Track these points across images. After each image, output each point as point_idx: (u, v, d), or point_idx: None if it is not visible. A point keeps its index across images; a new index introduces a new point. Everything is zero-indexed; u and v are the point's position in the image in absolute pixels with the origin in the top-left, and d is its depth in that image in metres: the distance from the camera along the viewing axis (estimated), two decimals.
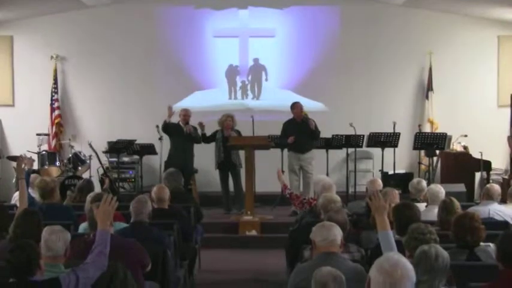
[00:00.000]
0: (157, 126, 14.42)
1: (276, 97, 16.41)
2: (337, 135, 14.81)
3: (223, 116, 14.11)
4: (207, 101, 16.60)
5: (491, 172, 13.80)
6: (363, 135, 14.80)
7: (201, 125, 13.93)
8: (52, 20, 16.50)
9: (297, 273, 5.94)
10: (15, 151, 15.61)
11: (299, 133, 13.76)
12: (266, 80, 16.80)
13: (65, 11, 16.21)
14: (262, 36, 16.75)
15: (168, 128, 13.86)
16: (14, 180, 12.90)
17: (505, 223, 8.01)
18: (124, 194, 13.64)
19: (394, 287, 3.92)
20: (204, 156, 14.39)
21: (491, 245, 6.10)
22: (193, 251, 9.73)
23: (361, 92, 16.42)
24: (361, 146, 14.95)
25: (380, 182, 10.61)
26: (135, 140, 15.01)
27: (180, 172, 11.31)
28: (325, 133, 14.59)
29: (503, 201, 9.13)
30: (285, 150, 14.28)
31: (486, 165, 13.69)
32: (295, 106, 14.04)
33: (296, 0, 16.53)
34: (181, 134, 13.90)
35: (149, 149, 14.96)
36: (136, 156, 15.38)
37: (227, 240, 12.73)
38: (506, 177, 14.43)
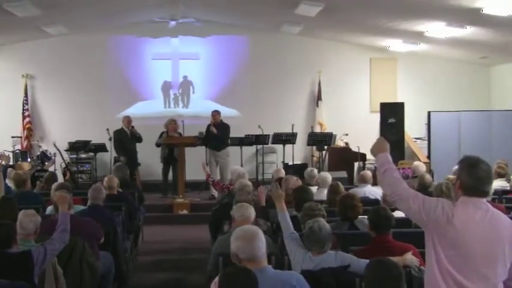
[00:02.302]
0: (107, 129, 14.29)
1: (201, 105, 16.39)
2: (248, 135, 14.88)
3: (168, 121, 14.11)
4: (147, 109, 16.48)
5: (366, 162, 14.02)
6: (269, 135, 14.92)
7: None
8: (23, 45, 16.15)
9: (219, 242, 5.99)
10: None
11: (215, 135, 13.79)
12: (193, 92, 16.76)
13: (34, 39, 15.90)
14: (189, 59, 16.69)
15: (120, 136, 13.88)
16: None
17: (376, 201, 8.18)
18: (82, 183, 13.46)
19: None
20: (147, 152, 14.33)
21: (367, 217, 6.23)
22: (137, 227, 9.70)
23: (267, 101, 16.52)
24: (267, 143, 15.06)
25: (283, 171, 10.74)
26: (91, 141, 14.85)
27: (126, 165, 11.24)
28: (239, 133, 14.66)
29: (375, 184, 9.30)
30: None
31: (362, 157, 13.91)
32: (212, 114, 14.13)
33: (215, 31, 16.53)
34: (126, 136, 13.87)
35: (101, 148, 14.83)
36: (91, 153, 15.19)
37: (164, 218, 12.70)
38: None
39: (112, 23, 15.93)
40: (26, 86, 16.12)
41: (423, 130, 16.04)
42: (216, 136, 13.78)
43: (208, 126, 13.97)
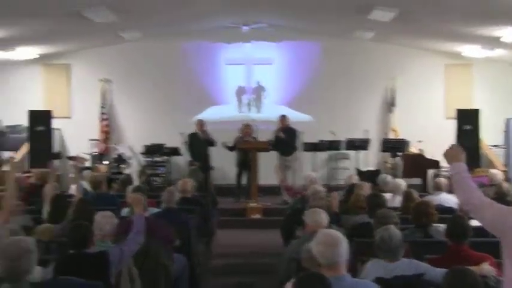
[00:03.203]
0: (181, 133, 14.46)
1: (274, 111, 16.39)
2: (321, 140, 14.86)
3: (243, 125, 14.17)
4: (220, 113, 16.62)
5: (440, 169, 13.76)
6: (342, 141, 14.84)
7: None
8: (100, 50, 16.55)
9: (291, 247, 5.97)
10: (72, 152, 15.64)
11: (283, 140, 13.78)
12: (266, 97, 16.83)
13: (110, 44, 16.26)
14: (262, 64, 16.75)
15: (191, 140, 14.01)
16: (72, 175, 12.90)
17: (451, 209, 8.02)
18: (157, 186, 13.62)
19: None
20: (220, 156, 14.40)
21: (441, 225, 6.11)
22: (210, 231, 9.75)
23: (341, 107, 16.40)
24: (340, 149, 14.97)
25: (355, 176, 10.66)
26: (165, 144, 15.08)
27: (200, 169, 11.33)
28: (312, 139, 14.63)
29: (450, 191, 9.12)
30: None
31: (436, 164, 13.66)
32: (281, 119, 14.15)
33: (288, 36, 16.54)
34: (199, 140, 13.96)
35: (175, 151, 15.04)
36: (166, 157, 15.43)
37: (237, 222, 12.72)
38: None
39: (186, 28, 16.12)
40: (103, 90, 16.48)
41: (500, 137, 15.64)
42: (284, 141, 13.75)
43: (276, 131, 13.97)
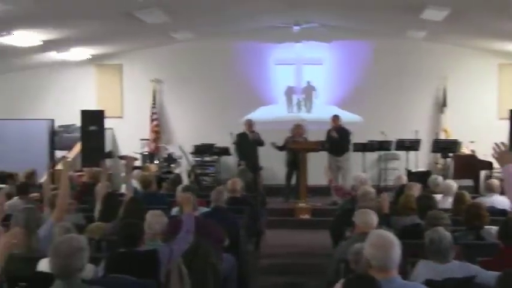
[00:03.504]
0: (231, 133, 14.50)
1: (324, 111, 16.34)
2: (371, 140, 14.76)
3: (294, 126, 14.15)
4: (270, 113, 16.63)
5: (492, 170, 13.52)
6: (392, 141, 14.72)
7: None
8: (151, 51, 16.73)
9: (340, 248, 5.94)
10: (123, 152, 15.83)
11: (336, 140, 13.74)
12: (316, 97, 16.78)
13: (161, 44, 16.42)
14: (312, 64, 16.72)
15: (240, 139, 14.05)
16: (123, 174, 13.05)
17: (503, 211, 7.88)
18: (206, 186, 13.68)
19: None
20: (270, 156, 14.39)
21: (494, 227, 6.02)
22: (259, 230, 9.76)
23: (391, 106, 16.24)
24: (390, 150, 14.85)
25: (404, 177, 10.55)
26: (215, 144, 15.16)
27: (249, 169, 11.35)
28: (362, 139, 14.55)
29: (502, 193, 8.96)
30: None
31: (489, 165, 13.43)
32: (333, 119, 14.08)
33: (339, 36, 16.45)
34: (248, 140, 13.97)
35: (225, 151, 15.12)
36: (216, 156, 15.51)
37: (285, 222, 12.70)
38: None
39: (237, 28, 16.19)
40: (154, 90, 16.65)
41: None
42: (337, 141, 13.70)
43: (329, 131, 13.93)
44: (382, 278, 3.87)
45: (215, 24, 15.32)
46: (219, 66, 16.55)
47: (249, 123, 14.23)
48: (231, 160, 15.36)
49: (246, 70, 16.66)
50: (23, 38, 12.27)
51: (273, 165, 14.94)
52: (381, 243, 4.09)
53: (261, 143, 14.02)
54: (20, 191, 8.90)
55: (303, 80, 16.82)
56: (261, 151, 14.17)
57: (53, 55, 14.94)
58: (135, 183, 9.63)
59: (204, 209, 7.74)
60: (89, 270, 4.89)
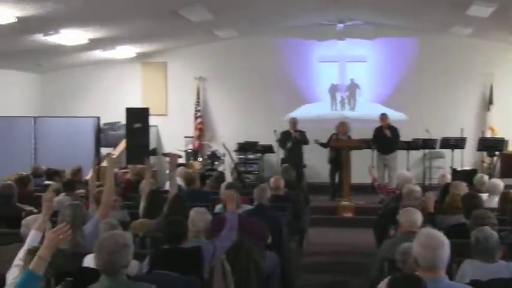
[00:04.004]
0: (274, 131, 14.50)
1: (368, 108, 16.25)
2: (416, 138, 14.62)
3: (339, 123, 14.10)
4: (314, 111, 16.59)
5: None
6: (437, 139, 14.58)
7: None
8: (196, 49, 16.83)
9: (384, 247, 5.90)
10: (167, 149, 15.97)
11: (383, 138, 13.66)
12: (360, 95, 16.69)
13: (205, 42, 16.50)
14: (356, 61, 16.63)
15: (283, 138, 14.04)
16: (167, 171, 13.16)
17: None
18: (249, 183, 13.71)
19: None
20: (314, 154, 14.36)
21: None
22: (302, 228, 9.73)
23: (435, 104, 16.06)
24: (435, 148, 14.69)
25: (448, 176, 10.46)
26: (258, 142, 15.18)
27: (292, 167, 11.32)
28: (406, 137, 14.42)
29: None
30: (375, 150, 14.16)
31: None
32: (381, 117, 13.96)
33: (383, 33, 16.33)
34: (291, 138, 13.96)
35: (268, 149, 15.13)
36: (259, 154, 15.53)
37: (329, 220, 12.67)
38: None
39: (280, 26, 16.16)
40: (198, 88, 16.74)
41: None
42: (389, 139, 13.62)
43: (377, 129, 13.83)
44: (429, 277, 3.83)
45: (259, 22, 15.34)
46: (262, 63, 16.56)
47: (293, 122, 14.23)
48: (274, 158, 15.36)
49: (290, 68, 16.64)
50: (70, 36, 12.45)
51: (316, 163, 14.89)
52: (430, 243, 4.04)
53: (304, 141, 14.00)
54: (66, 187, 9.02)
55: (347, 77, 16.74)
56: (305, 149, 14.15)
57: (99, 53, 15.14)
58: (179, 181, 9.68)
59: (247, 207, 7.75)
60: (134, 267, 4.93)
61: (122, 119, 15.22)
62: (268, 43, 16.54)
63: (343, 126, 13.97)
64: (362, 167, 12.62)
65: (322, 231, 11.86)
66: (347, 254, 10.51)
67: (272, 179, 9.22)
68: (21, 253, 4.58)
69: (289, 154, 13.98)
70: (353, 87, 16.73)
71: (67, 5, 10.03)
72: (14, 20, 10.09)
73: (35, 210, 6.58)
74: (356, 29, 16.24)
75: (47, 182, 10.48)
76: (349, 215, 12.85)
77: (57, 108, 16.68)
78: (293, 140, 13.92)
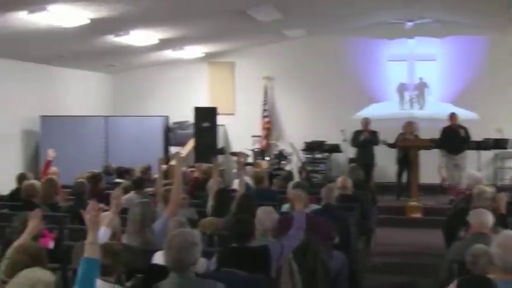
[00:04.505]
0: (342, 131, 14.43)
1: (437, 108, 15.99)
2: (487, 138, 14.31)
3: (405, 123, 13.95)
4: (382, 110, 16.40)
5: None
6: (508, 139, 14.25)
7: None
8: (263, 48, 16.86)
9: (454, 249, 5.80)
10: (235, 148, 16.07)
11: (454, 138, 13.40)
12: (429, 94, 16.43)
13: (272, 42, 16.51)
14: (425, 60, 16.37)
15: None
16: (234, 170, 13.23)
17: None
18: (317, 183, 13.67)
19: None
20: (382, 154, 14.22)
21: None
22: (370, 228, 9.65)
23: (507, 103, 15.63)
24: (507, 148, 14.36)
25: None
26: (325, 141, 15.12)
27: (360, 166, 11.24)
28: (476, 137, 14.12)
29: None
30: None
31: None
32: (451, 116, 13.70)
33: (453, 31, 16.01)
34: (363, 138, 13.87)
35: (336, 148, 15.05)
36: (326, 154, 15.46)
37: (397, 221, 12.53)
38: None
39: (348, 25, 16.06)
40: (265, 87, 16.77)
41: None
42: (459, 138, 13.37)
43: (446, 128, 13.58)
44: (503, 279, 3.74)
45: (327, 21, 15.26)
46: (330, 63, 16.48)
47: (365, 122, 14.13)
48: (342, 157, 15.27)
49: (358, 67, 16.51)
50: (141, 37, 12.65)
51: (384, 162, 14.72)
52: (509, 245, 3.94)
53: (375, 142, 13.88)
54: (136, 185, 9.17)
55: (416, 76, 16.50)
56: (375, 149, 14.02)
57: (169, 53, 15.35)
58: (248, 180, 9.72)
59: (315, 206, 7.73)
60: (202, 264, 4.97)
61: (190, 118, 15.37)
62: (336, 42, 16.45)
63: (409, 125, 13.82)
64: (431, 167, 12.47)
65: (390, 232, 11.74)
66: (415, 255, 10.39)
67: (340, 179, 9.15)
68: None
69: (359, 154, 13.90)
70: (422, 86, 16.49)
71: (137, 6, 10.20)
72: (87, 21, 10.32)
73: (106, 208, 6.70)
74: (425, 27, 15.96)
75: (117, 180, 10.67)
76: (418, 215, 12.67)
77: (128, 107, 16.99)
78: (363, 140, 13.82)
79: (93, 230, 3.94)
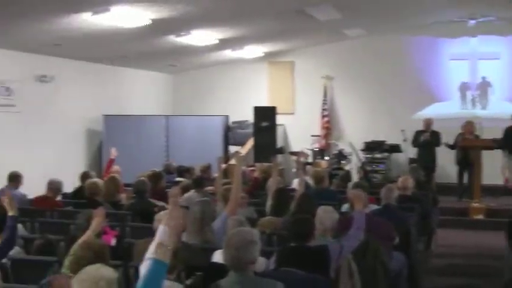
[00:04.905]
0: (402, 131, 14.27)
1: (500, 107, 15.66)
2: None
3: (465, 122, 13.72)
4: (444, 110, 16.14)
5: None
6: None
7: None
8: (323, 48, 16.79)
9: None
10: (294, 148, 16.06)
11: None
12: (492, 93, 16.10)
13: (332, 41, 16.43)
14: (488, 59, 16.05)
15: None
16: (294, 170, 13.22)
17: None
18: (376, 183, 13.54)
19: None
20: (442, 154, 14.02)
21: None
22: (430, 229, 9.54)
23: None
24: None
25: None
26: (385, 141, 14.98)
27: (421, 167, 11.11)
28: None
29: None
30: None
31: None
32: None
33: None
34: (425, 138, 13.70)
35: (396, 148, 14.91)
36: (386, 154, 15.33)
37: (458, 222, 12.36)
38: None
39: (409, 24, 15.86)
40: (325, 87, 16.71)
41: None
42: None
43: (508, 128, 13.29)
44: None
45: (387, 20, 15.12)
46: (390, 62, 16.32)
47: (427, 122, 13.96)
48: (402, 157, 15.11)
49: (418, 66, 16.29)
50: (201, 37, 12.75)
51: (445, 163, 14.49)
52: None
53: (436, 143, 13.69)
54: (196, 184, 9.25)
55: (478, 75, 16.19)
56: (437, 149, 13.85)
57: (228, 53, 15.43)
58: (308, 179, 9.70)
59: (374, 207, 7.67)
60: (261, 263, 4.99)
61: (249, 117, 15.42)
62: (397, 41, 16.26)
63: (469, 125, 13.57)
64: (493, 167, 12.23)
65: (451, 233, 11.58)
66: (477, 257, 10.21)
67: (400, 179, 9.06)
68: (152, 247, 4.72)
69: (419, 154, 13.74)
70: (485, 85, 16.17)
71: (197, 6, 10.30)
72: (149, 22, 10.47)
73: (167, 206, 6.78)
74: (488, 25, 15.62)
75: (178, 179, 10.78)
76: (480, 217, 12.45)
77: (187, 107, 17.16)
78: (424, 141, 13.65)
79: (171, 235, 3.95)
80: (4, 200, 5.76)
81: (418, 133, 13.84)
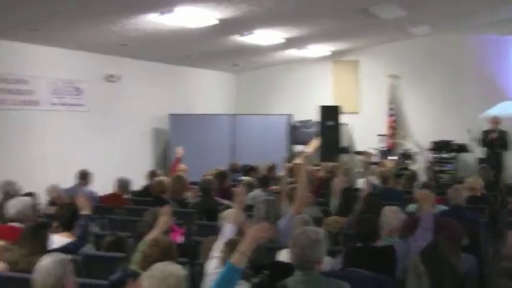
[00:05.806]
0: (468, 130, 14.02)
1: None
2: None
3: None
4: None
5: None
6: None
7: None
8: (388, 47, 16.62)
9: None
10: (359, 147, 15.94)
11: None
12: None
13: (397, 40, 16.24)
14: None
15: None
16: (359, 169, 13.12)
17: None
18: (443, 183, 13.33)
19: None
20: (510, 155, 13.74)
21: None
22: (500, 231, 9.33)
23: None
24: None
25: None
26: (453, 141, 14.75)
27: (490, 167, 10.91)
28: None
29: None
30: None
31: None
32: None
33: None
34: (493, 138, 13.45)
35: (463, 148, 14.67)
36: (453, 153, 15.09)
37: None
38: None
39: (476, 22, 15.54)
40: (390, 86, 16.54)
41: None
42: None
43: None
44: None
45: (453, 18, 14.84)
46: (457, 60, 16.04)
47: (493, 121, 13.69)
48: (470, 157, 14.84)
49: (485, 64, 15.94)
50: (265, 36, 12.79)
51: None
52: None
53: (503, 144, 13.41)
54: (261, 183, 9.29)
55: None
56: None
57: (293, 52, 15.42)
58: (374, 179, 9.63)
59: (442, 207, 7.56)
60: (327, 263, 4.97)
61: (314, 116, 15.38)
62: (463, 40, 15.96)
63: None
64: None
65: None
66: None
67: (470, 179, 8.92)
68: (220, 245, 4.76)
69: (488, 154, 13.48)
70: None
71: (261, 6, 10.32)
72: (215, 22, 10.55)
73: (232, 204, 6.83)
74: None
75: (243, 178, 10.84)
76: None
77: (251, 106, 17.23)
78: (491, 140, 13.38)
79: (250, 243, 3.98)
80: (79, 199, 5.92)
81: (486, 133, 13.59)
